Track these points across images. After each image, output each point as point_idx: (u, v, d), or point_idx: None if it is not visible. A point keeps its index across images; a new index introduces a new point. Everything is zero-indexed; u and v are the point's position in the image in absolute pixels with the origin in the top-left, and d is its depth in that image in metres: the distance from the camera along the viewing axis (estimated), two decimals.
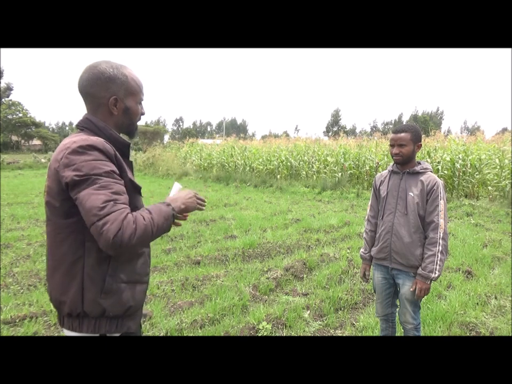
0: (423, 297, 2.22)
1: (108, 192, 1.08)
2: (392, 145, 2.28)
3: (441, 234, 2.13)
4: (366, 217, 2.56)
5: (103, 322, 1.20)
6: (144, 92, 1.39)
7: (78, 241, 1.16)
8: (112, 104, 1.27)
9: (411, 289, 2.22)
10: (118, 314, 1.22)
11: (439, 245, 2.13)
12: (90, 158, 1.11)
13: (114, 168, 1.16)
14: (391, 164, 2.42)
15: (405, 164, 2.28)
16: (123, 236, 1.04)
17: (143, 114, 1.40)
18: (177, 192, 1.39)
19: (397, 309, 2.51)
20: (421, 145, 2.29)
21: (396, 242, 2.27)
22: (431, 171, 2.29)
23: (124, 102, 1.29)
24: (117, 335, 1.25)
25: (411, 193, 2.23)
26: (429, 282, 2.15)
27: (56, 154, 1.17)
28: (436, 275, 2.11)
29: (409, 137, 2.21)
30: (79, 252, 1.16)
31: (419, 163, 2.32)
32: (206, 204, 1.41)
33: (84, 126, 1.26)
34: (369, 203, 2.55)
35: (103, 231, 1.03)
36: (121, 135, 1.35)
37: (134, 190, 1.28)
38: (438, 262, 2.12)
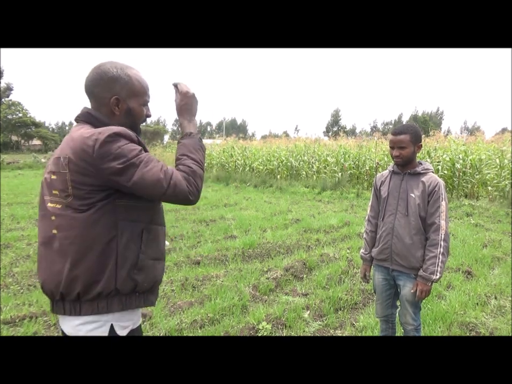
0: (424, 298, 2.21)
1: (154, 163, 1.18)
2: (392, 147, 2.26)
3: (443, 236, 2.12)
4: (366, 217, 2.54)
5: (133, 297, 1.26)
6: (150, 94, 1.36)
7: (111, 222, 1.19)
8: (113, 104, 1.26)
9: (412, 291, 2.21)
10: (146, 289, 1.29)
11: (440, 247, 2.12)
12: (122, 143, 1.16)
13: (140, 147, 1.23)
14: (392, 164, 2.40)
15: (405, 165, 2.27)
16: (191, 188, 1.21)
17: (148, 116, 1.38)
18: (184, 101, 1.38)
19: (397, 310, 2.50)
20: (421, 145, 2.28)
21: (397, 244, 2.26)
22: (432, 172, 2.27)
23: (127, 103, 1.28)
24: (138, 317, 1.35)
25: (412, 194, 2.22)
26: (430, 284, 2.14)
27: (74, 147, 1.15)
28: (437, 277, 2.11)
29: (409, 138, 2.18)
30: (113, 231, 1.19)
31: (420, 163, 2.30)
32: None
33: (83, 119, 1.26)
34: (370, 203, 2.54)
35: (177, 192, 1.18)
36: None
37: None
38: (439, 263, 2.11)
